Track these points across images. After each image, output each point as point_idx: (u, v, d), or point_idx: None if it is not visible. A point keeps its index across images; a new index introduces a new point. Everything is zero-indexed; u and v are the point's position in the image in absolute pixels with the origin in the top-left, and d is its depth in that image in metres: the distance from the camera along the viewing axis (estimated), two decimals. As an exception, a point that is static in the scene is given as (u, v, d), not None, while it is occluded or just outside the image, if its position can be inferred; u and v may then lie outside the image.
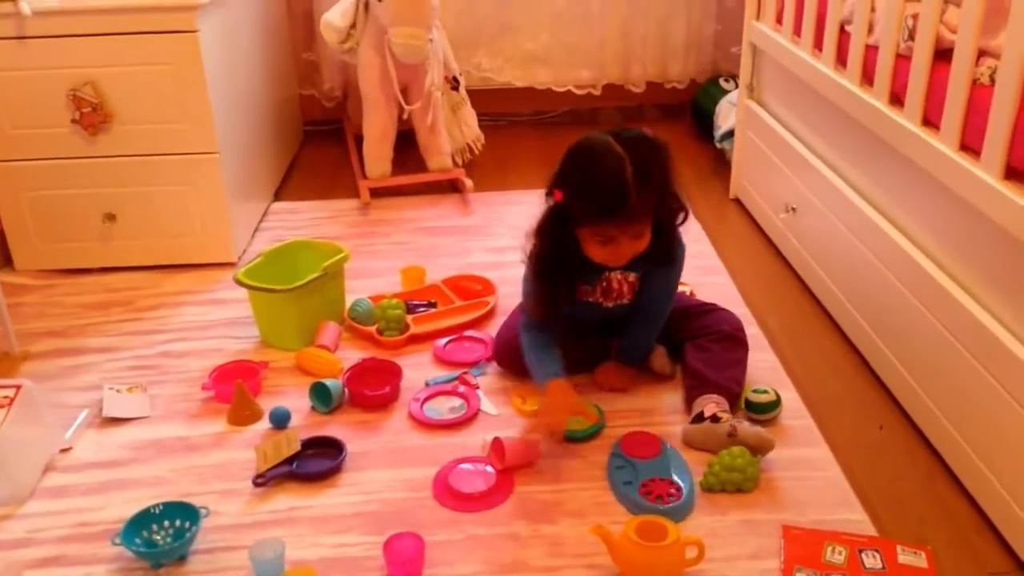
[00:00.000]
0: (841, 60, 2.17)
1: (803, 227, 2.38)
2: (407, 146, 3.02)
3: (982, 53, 1.65)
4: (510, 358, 1.96)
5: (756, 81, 2.78)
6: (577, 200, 1.68)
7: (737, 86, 2.98)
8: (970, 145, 1.65)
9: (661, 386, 1.94)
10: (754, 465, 1.65)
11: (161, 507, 1.57)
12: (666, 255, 1.82)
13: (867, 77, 2.05)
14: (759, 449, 1.68)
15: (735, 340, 1.91)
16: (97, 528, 1.59)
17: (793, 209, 2.41)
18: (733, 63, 3.31)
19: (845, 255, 2.12)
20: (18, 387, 1.71)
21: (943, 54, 1.75)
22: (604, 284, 1.87)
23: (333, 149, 3.40)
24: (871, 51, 2.03)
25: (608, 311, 1.91)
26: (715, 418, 1.73)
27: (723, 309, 2.00)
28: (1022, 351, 1.49)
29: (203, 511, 1.56)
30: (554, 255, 1.76)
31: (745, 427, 1.70)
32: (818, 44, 2.30)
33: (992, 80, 1.60)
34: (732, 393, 1.82)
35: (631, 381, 1.94)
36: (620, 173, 1.61)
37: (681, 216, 1.79)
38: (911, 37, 1.85)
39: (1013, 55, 1.48)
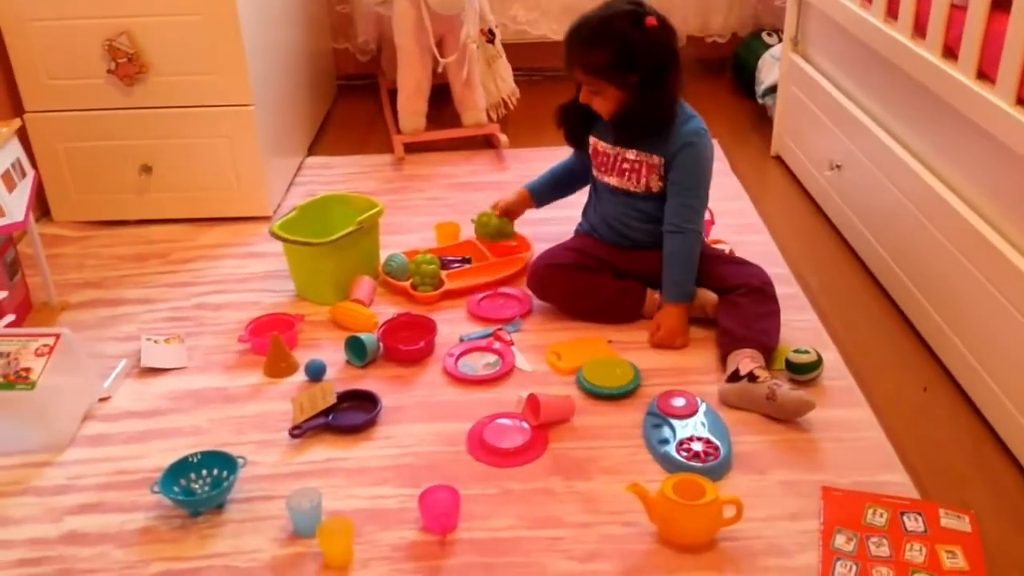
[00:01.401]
0: (892, 11, 2.10)
1: (847, 185, 2.32)
2: (442, 101, 2.99)
3: (1044, 2, 1.58)
4: (542, 284, 2.02)
5: (801, 34, 2.70)
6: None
7: (780, 40, 2.91)
8: (1028, 99, 1.59)
9: (697, 345, 1.92)
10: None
11: (199, 456, 1.58)
12: (645, 121, 1.90)
13: (919, 29, 1.98)
14: (799, 411, 1.66)
15: (763, 294, 1.89)
16: (136, 476, 1.61)
17: (838, 166, 2.35)
18: (776, 16, 3.22)
19: (891, 213, 2.06)
20: (57, 336, 1.72)
21: (1000, 3, 1.68)
22: (620, 163, 1.96)
23: (367, 104, 3.38)
24: (923, 1, 1.95)
25: (630, 199, 1.98)
26: (752, 376, 1.71)
27: (752, 264, 1.98)
28: (1077, 313, 1.45)
29: (241, 461, 1.56)
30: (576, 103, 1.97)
31: (785, 390, 1.67)
32: (868, -5, 2.23)
33: (1054, 30, 1.53)
34: (764, 346, 1.80)
35: (688, 334, 1.92)
36: (577, 25, 1.87)
37: (664, 104, 1.89)
38: (967, -14, 1.78)
39: (1079, 3, 1.41)
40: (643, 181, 1.95)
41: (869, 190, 2.19)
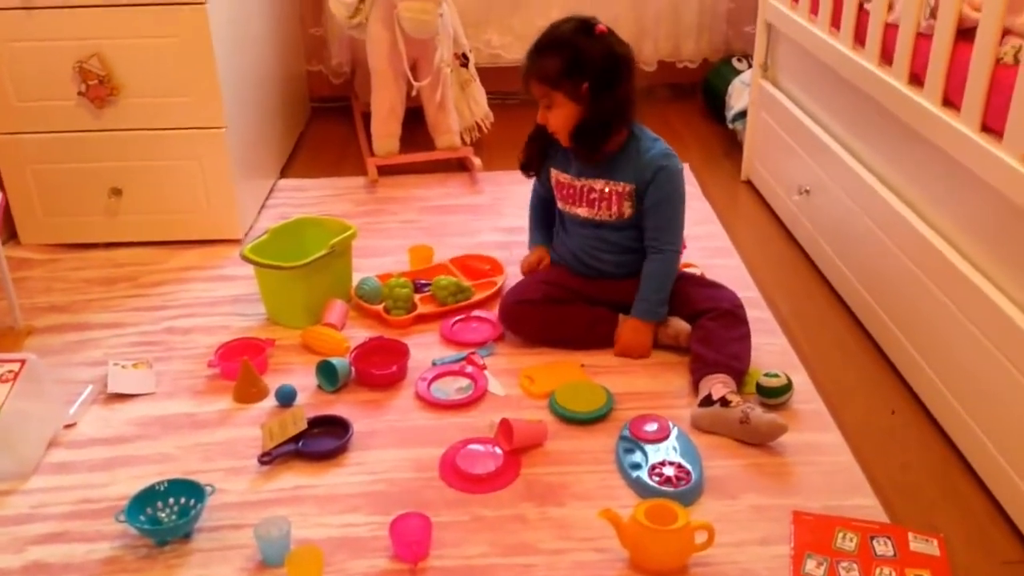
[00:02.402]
0: (859, 39, 2.14)
1: (816, 209, 2.35)
2: (415, 124, 2.99)
3: (1006, 32, 1.62)
4: (513, 320, 2.01)
5: (771, 60, 2.74)
6: None
7: (750, 66, 2.94)
8: (992, 126, 1.61)
9: (669, 369, 1.92)
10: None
11: (166, 484, 1.55)
12: (592, 138, 1.90)
13: (886, 56, 2.01)
14: (772, 435, 1.66)
15: (734, 316, 1.90)
16: (101, 505, 1.58)
17: (806, 191, 2.37)
18: (747, 42, 3.27)
19: (859, 238, 2.09)
20: (22, 362, 1.70)
21: (965, 33, 1.71)
22: (588, 193, 1.97)
23: (340, 126, 3.37)
24: (891, 29, 1.99)
25: (599, 229, 1.98)
26: (724, 401, 1.71)
27: (723, 286, 2.00)
28: (1041, 337, 1.47)
29: (208, 489, 1.54)
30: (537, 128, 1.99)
31: (758, 413, 1.68)
32: (836, 22, 2.26)
33: (1016, 60, 1.57)
34: (735, 370, 1.80)
35: (650, 348, 1.94)
36: (533, 43, 1.91)
37: (613, 114, 1.89)
38: (933, 15, 1.81)
39: (1039, 34, 1.44)
40: (615, 209, 1.96)
41: (837, 214, 2.21)
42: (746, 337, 1.88)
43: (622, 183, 1.94)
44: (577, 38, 1.85)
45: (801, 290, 2.28)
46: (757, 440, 1.68)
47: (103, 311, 2.18)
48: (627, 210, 1.96)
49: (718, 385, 1.75)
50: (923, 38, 1.85)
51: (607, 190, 1.95)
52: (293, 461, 1.67)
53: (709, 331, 1.88)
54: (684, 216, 2.00)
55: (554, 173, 2.03)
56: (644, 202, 1.94)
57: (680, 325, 1.95)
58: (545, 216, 2.17)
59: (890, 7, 2.00)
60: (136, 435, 1.76)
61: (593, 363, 1.94)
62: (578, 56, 1.84)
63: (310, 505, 1.57)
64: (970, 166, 1.65)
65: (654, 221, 1.95)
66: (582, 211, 1.99)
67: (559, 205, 2.07)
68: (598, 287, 2.01)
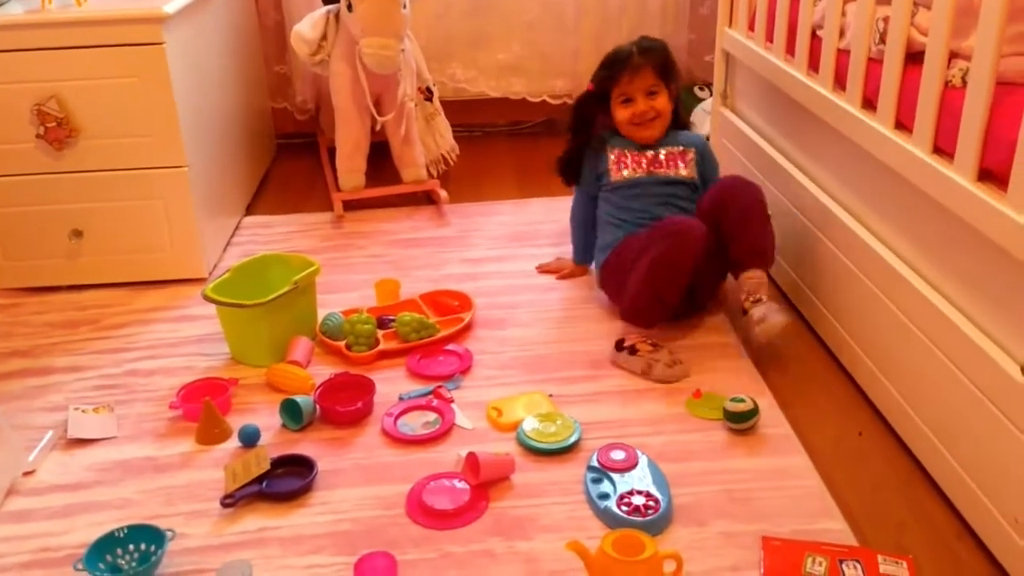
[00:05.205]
0: (813, 65, 2.17)
1: (778, 233, 2.35)
2: (381, 158, 3.00)
3: (953, 55, 1.64)
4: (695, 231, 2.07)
5: (730, 88, 2.77)
6: (600, 73, 2.27)
7: (711, 94, 2.98)
8: (943, 148, 1.64)
9: (636, 396, 1.92)
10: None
11: (126, 530, 1.52)
12: (677, 121, 2.31)
13: (839, 81, 2.04)
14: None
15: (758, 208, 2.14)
16: (60, 553, 1.55)
17: (769, 215, 2.39)
18: (708, 71, 3.30)
19: (820, 260, 2.10)
20: (-22, 409, 1.67)
21: (914, 57, 1.74)
22: (655, 157, 2.25)
23: (306, 162, 3.37)
24: (843, 55, 2.02)
25: (669, 186, 2.23)
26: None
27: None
28: (1000, 355, 1.48)
29: (169, 534, 1.51)
30: (583, 130, 2.31)
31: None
32: (790, 49, 2.30)
33: (964, 82, 1.59)
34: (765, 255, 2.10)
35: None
36: (628, 47, 2.24)
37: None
38: (882, 40, 1.84)
39: (984, 57, 1.47)
40: (683, 167, 2.24)
41: (798, 237, 2.23)
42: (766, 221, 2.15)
43: (683, 147, 2.26)
44: (653, 41, 2.28)
45: (767, 314, 2.28)
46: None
47: (65, 355, 2.15)
48: (693, 172, 2.25)
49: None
50: (874, 63, 1.88)
51: (674, 153, 2.25)
52: (257, 502, 1.65)
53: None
54: None
55: (616, 152, 2.24)
56: (706, 164, 2.29)
57: (671, 358, 2.01)
58: (588, 234, 2.35)
59: (842, 33, 2.03)
60: (96, 481, 1.73)
61: (561, 392, 1.93)
62: (671, 60, 2.25)
63: (274, 547, 1.55)
64: (923, 187, 1.67)
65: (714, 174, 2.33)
66: (656, 171, 2.23)
67: (628, 175, 2.23)
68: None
